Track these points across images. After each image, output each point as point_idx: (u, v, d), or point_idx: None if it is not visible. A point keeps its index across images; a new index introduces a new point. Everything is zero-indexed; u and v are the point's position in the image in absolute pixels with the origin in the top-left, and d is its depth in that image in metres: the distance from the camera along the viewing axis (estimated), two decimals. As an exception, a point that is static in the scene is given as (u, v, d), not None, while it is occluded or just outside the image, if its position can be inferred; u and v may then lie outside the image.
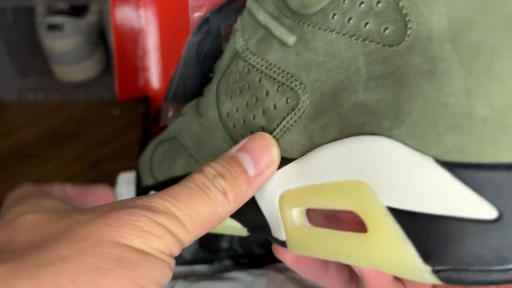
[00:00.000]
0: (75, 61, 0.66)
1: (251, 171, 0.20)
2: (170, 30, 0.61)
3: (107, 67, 0.71)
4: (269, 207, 0.21)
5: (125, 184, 0.53)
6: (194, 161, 0.26)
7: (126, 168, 0.58)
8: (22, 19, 0.67)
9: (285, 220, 0.20)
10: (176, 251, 0.18)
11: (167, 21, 0.60)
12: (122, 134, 0.63)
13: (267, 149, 0.20)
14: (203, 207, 0.18)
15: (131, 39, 0.59)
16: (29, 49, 0.72)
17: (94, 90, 0.68)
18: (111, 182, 0.57)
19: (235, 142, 0.22)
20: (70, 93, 0.68)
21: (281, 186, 0.21)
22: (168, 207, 0.18)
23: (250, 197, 0.20)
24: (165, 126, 0.31)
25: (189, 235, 0.18)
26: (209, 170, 0.19)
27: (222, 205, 0.19)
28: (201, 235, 0.19)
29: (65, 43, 0.64)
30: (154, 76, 0.62)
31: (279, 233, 0.21)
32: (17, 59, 0.68)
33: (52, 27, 0.62)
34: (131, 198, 0.19)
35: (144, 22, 0.60)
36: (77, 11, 0.64)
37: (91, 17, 0.66)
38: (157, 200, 0.18)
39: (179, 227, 0.18)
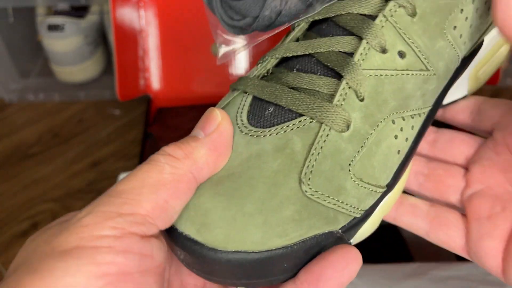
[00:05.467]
0: (76, 62, 0.66)
1: (200, 135, 0.21)
2: (170, 31, 0.61)
3: (108, 67, 0.71)
4: None
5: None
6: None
7: (126, 168, 0.58)
8: (23, 19, 0.67)
9: None
10: (135, 227, 0.18)
11: (168, 22, 0.61)
12: (123, 134, 0.63)
13: (212, 116, 0.22)
14: (146, 173, 0.19)
15: (132, 39, 0.60)
16: (29, 49, 0.72)
17: (95, 90, 0.68)
18: (111, 182, 0.57)
19: None
20: (71, 93, 0.68)
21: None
22: (109, 193, 0.19)
23: (213, 152, 0.21)
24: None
25: (140, 204, 0.18)
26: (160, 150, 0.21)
27: (168, 163, 0.20)
28: (172, 196, 0.19)
29: (65, 43, 0.64)
30: (155, 76, 0.62)
31: None
32: (18, 59, 0.69)
33: (53, 28, 0.63)
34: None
35: (144, 23, 0.60)
36: (78, 12, 0.65)
37: (91, 18, 0.66)
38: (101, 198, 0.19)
39: (119, 205, 0.18)
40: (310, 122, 0.21)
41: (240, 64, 0.62)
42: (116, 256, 0.17)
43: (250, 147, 0.21)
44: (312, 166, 0.20)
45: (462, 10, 0.24)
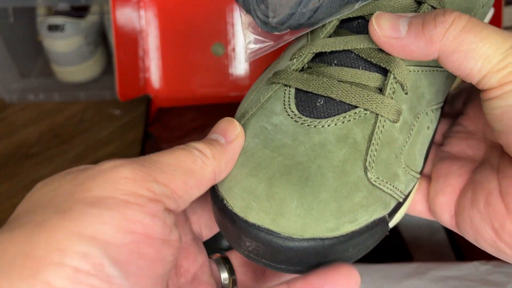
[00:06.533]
0: (76, 62, 0.67)
1: (222, 140, 0.23)
2: (170, 31, 0.61)
3: (108, 67, 0.71)
4: None
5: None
6: None
7: (127, 168, 0.58)
8: (23, 19, 0.67)
9: None
10: (164, 198, 0.19)
11: (168, 22, 0.61)
12: (123, 134, 0.64)
13: (232, 124, 0.23)
14: (181, 157, 0.20)
15: (132, 39, 0.60)
16: (30, 49, 0.72)
17: (95, 90, 0.68)
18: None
19: None
20: (71, 93, 0.68)
21: None
22: (145, 158, 0.20)
23: (230, 159, 0.22)
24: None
25: (173, 180, 0.19)
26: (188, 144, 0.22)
27: (201, 158, 0.21)
28: (196, 186, 0.21)
29: (65, 43, 0.64)
30: (155, 76, 0.62)
31: None
32: (18, 59, 0.69)
33: (53, 28, 0.63)
34: None
35: (144, 23, 0.60)
36: (78, 12, 0.65)
37: (91, 18, 0.66)
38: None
39: (157, 172, 0.19)
40: (365, 113, 0.22)
41: (240, 65, 0.62)
42: (145, 217, 0.18)
43: (311, 137, 0.22)
44: (374, 155, 0.22)
45: (475, 14, 0.26)
